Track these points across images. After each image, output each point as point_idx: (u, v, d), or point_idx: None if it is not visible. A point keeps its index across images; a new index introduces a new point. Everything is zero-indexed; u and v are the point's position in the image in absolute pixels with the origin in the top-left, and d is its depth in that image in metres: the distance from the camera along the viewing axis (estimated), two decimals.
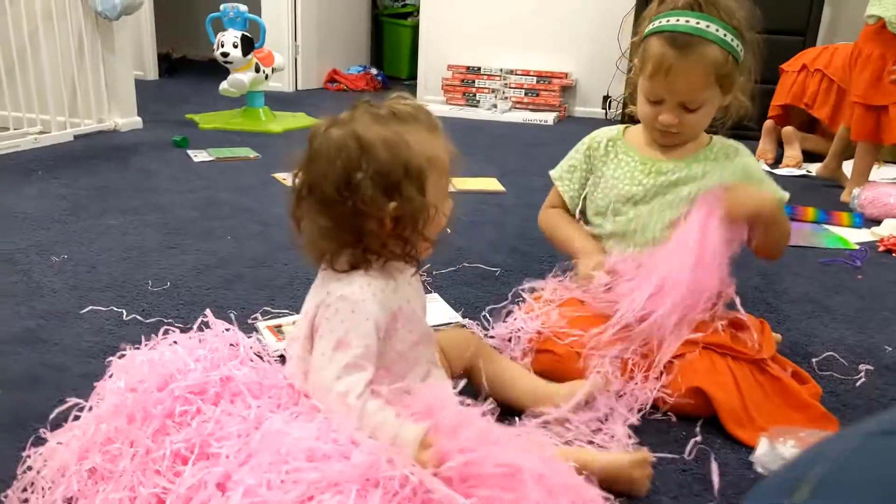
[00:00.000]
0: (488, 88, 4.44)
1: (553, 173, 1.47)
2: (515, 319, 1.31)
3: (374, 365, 0.89)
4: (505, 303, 1.42)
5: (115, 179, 2.50)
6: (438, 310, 1.51)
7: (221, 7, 3.43)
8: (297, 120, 3.74)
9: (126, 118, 3.33)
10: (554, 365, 1.21)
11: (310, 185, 0.89)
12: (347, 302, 0.88)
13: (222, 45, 3.38)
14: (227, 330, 1.03)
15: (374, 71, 5.18)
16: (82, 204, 2.19)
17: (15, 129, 2.96)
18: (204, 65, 5.53)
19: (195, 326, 1.06)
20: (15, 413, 1.08)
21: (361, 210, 0.86)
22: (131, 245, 1.85)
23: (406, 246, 0.90)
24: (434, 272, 1.72)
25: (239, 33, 3.40)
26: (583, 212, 1.44)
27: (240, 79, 3.46)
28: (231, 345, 1.02)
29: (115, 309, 1.46)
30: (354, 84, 5.04)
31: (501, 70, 4.40)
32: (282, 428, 0.84)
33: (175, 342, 0.97)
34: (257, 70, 3.53)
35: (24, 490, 0.89)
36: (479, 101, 4.45)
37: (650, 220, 1.32)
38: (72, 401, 0.94)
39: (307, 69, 4.95)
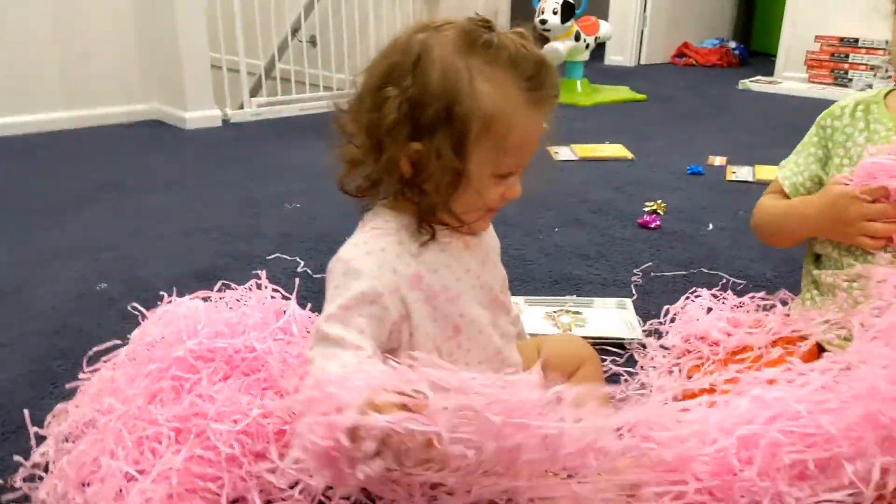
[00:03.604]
0: (866, 65, 3.58)
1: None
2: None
3: (374, 340, 0.67)
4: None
5: None
6: (613, 322, 1.22)
7: None
8: (614, 93, 3.49)
9: None
10: None
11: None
12: (339, 262, 0.71)
13: (542, 12, 3.28)
14: (281, 297, 0.95)
15: (731, 44, 4.58)
16: None
17: (325, 91, 3.26)
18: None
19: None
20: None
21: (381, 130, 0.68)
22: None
23: (422, 201, 0.70)
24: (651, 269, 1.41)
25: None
26: None
27: (556, 48, 3.32)
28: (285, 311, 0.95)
29: (298, 260, 1.49)
30: (704, 59, 4.53)
31: (887, 42, 3.51)
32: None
33: (204, 299, 0.92)
34: (577, 39, 3.37)
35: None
36: (850, 81, 3.62)
37: None
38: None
39: (655, 42, 4.58)
